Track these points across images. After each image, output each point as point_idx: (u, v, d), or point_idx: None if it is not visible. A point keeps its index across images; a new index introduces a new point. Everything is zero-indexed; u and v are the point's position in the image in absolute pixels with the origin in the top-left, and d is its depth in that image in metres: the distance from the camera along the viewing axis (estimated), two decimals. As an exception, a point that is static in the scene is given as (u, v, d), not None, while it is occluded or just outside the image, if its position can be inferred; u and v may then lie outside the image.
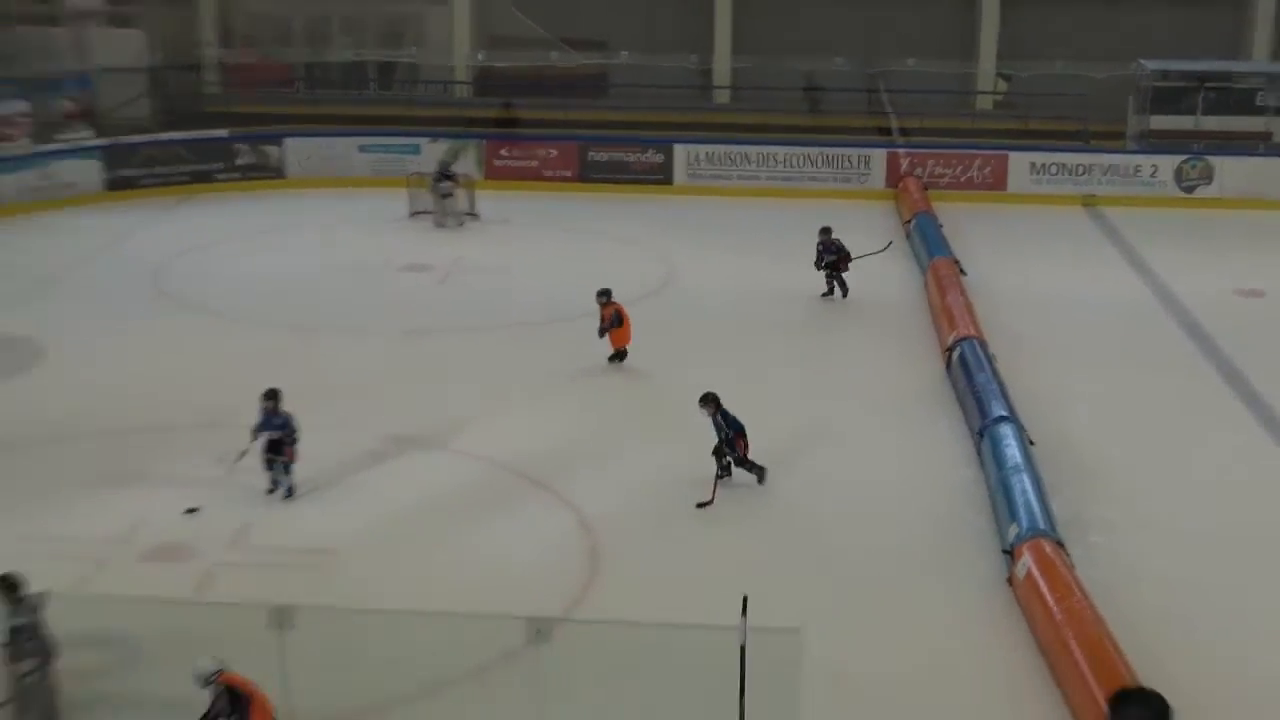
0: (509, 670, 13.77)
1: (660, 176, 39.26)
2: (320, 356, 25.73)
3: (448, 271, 31.67)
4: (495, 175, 39.07)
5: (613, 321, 24.96)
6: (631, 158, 39.50)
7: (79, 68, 39.55)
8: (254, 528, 19.05)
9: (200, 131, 38.99)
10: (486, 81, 42.20)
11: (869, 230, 33.47)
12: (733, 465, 20.03)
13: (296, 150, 39.19)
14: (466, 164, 38.68)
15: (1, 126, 36.46)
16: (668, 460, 21.02)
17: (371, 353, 26.06)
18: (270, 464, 19.85)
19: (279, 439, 19.71)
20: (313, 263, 31.71)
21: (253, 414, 20.22)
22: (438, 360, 25.82)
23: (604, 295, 25.09)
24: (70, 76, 38.50)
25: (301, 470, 20.05)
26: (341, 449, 21.45)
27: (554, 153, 39.56)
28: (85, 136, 37.57)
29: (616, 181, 39.23)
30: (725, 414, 19.92)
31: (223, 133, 38.96)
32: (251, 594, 14.16)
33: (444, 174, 35.50)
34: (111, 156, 37.44)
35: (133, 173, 37.57)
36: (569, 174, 39.42)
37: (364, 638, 14.09)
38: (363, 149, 39.19)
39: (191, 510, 19.29)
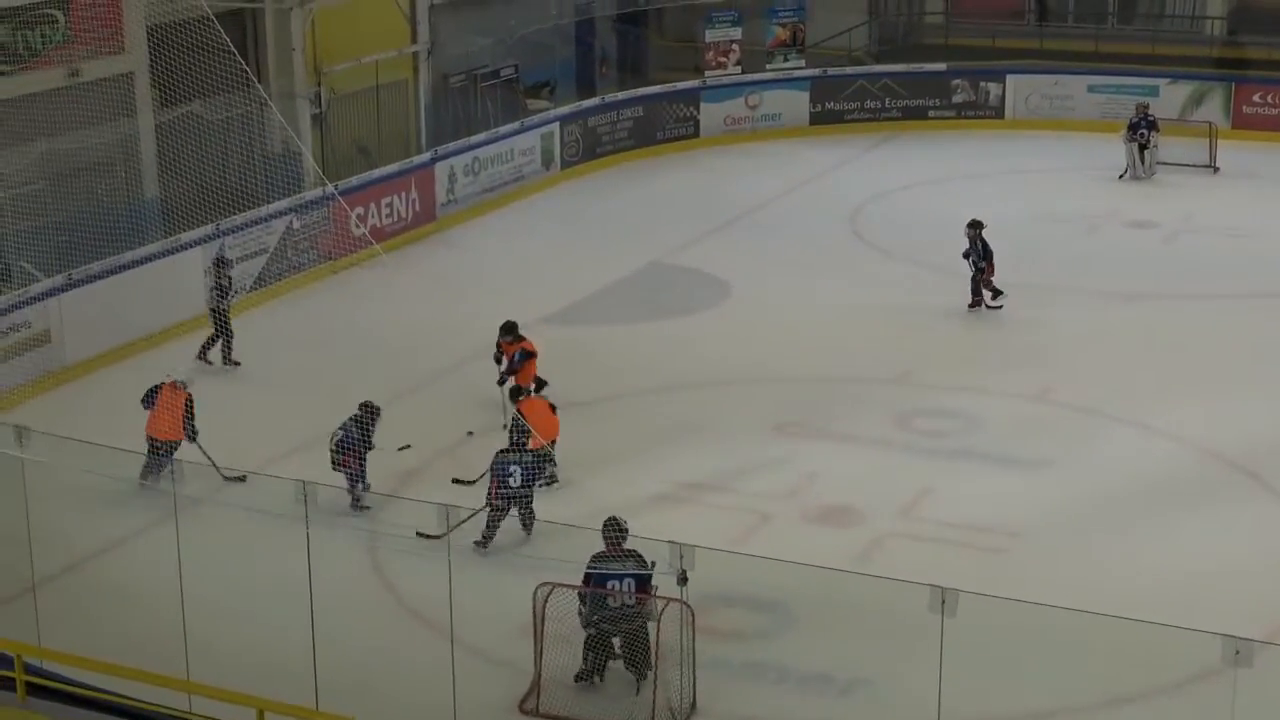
0: (1197, 693, 13.09)
1: None
2: (1014, 314, 25.36)
3: (1175, 230, 30.34)
4: (1244, 124, 36.99)
5: (515, 360, 21.00)
6: None
7: (798, -7, 40.79)
8: (928, 498, 19.02)
9: (916, 65, 39.19)
10: (1244, 18, 39.95)
11: None
12: None
13: (1019, 88, 38.70)
14: (1212, 110, 36.95)
15: (715, 54, 38.04)
16: None
17: (1072, 313, 25.50)
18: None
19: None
20: (1022, 212, 31.10)
21: (936, 373, 20.03)
22: (1149, 327, 24.90)
23: (508, 333, 21.23)
24: (786, 3, 39.58)
25: (969, 437, 20.29)
26: (1017, 417, 21.37)
27: (1318, 101, 37.10)
28: (795, 66, 38.60)
29: (1402, 138, 36.27)
30: None
31: (940, 66, 39.00)
32: (917, 570, 14.00)
33: (1145, 119, 33.89)
34: (820, 88, 38.37)
35: (840, 106, 38.32)
36: (1336, 126, 36.84)
37: (1032, 635, 13.72)
38: (1092, 89, 38.19)
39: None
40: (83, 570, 17.03)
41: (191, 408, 18.82)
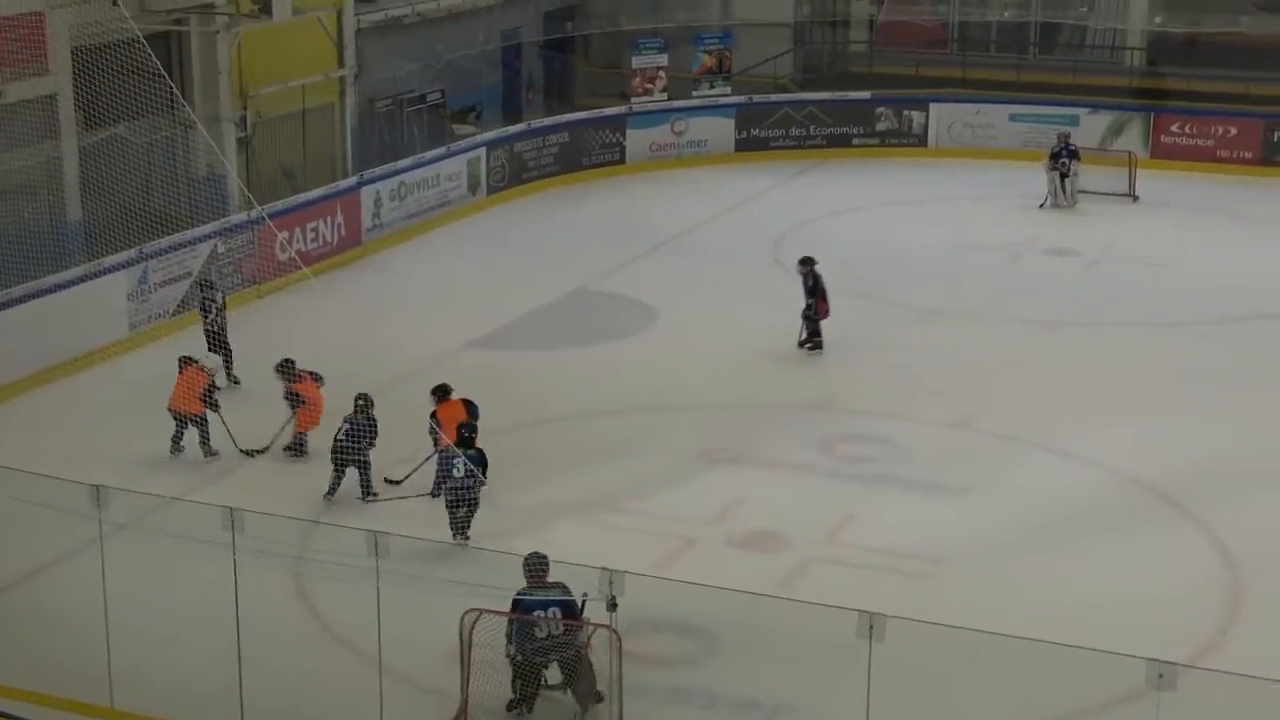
0: (1121, 716, 13.22)
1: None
2: (937, 341, 25.62)
3: (1096, 258, 30.69)
4: (1162, 154, 37.51)
5: (294, 403, 20.77)
6: (1330, 141, 37.03)
7: (723, 22, 41.01)
8: (854, 523, 19.09)
9: (840, 93, 39.52)
10: (1160, 48, 40.57)
11: None
12: None
13: (942, 116, 39.10)
14: (1131, 140, 37.48)
15: (642, 80, 38.22)
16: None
17: (994, 340, 25.78)
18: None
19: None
20: (943, 239, 31.49)
21: (860, 399, 20.06)
22: (1069, 355, 25.18)
23: (285, 369, 20.88)
24: (712, 30, 39.95)
25: (893, 464, 20.37)
26: (940, 444, 21.43)
27: (1233, 131, 37.56)
28: (721, 93, 38.83)
29: (1308, 168, 36.82)
30: None
31: (864, 94, 39.32)
32: (842, 595, 14.09)
33: (1066, 148, 34.30)
34: (745, 115, 38.60)
35: (766, 133, 38.55)
36: (1249, 156, 37.31)
37: (959, 659, 13.74)
38: (1014, 118, 38.61)
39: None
40: (8, 596, 16.82)
41: (212, 389, 20.68)
